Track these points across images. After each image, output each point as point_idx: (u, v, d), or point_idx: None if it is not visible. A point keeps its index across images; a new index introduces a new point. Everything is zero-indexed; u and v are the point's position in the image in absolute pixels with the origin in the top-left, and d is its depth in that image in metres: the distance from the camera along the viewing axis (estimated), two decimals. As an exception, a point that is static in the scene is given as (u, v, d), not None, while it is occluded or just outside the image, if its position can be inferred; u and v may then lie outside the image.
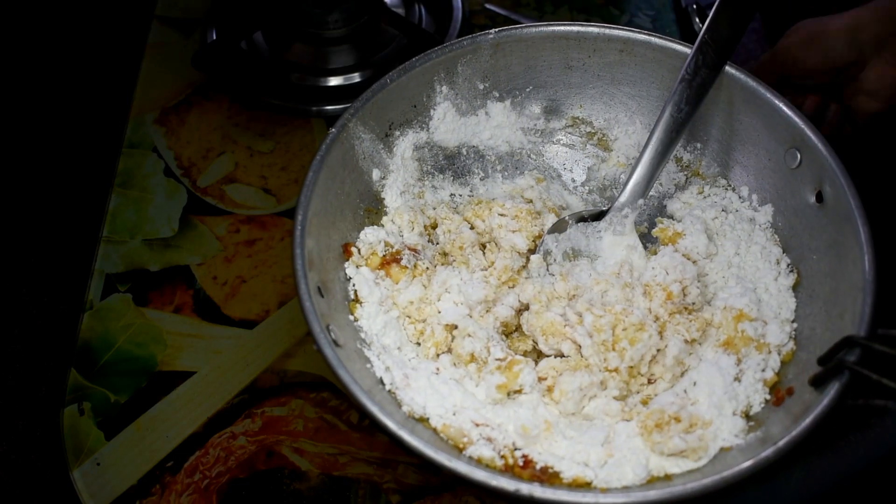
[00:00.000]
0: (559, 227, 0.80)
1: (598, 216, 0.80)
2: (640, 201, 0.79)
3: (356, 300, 0.74)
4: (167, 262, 0.88)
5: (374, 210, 0.81)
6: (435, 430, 0.67)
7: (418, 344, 0.75)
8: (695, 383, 0.70)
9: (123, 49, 1.08)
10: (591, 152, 0.89)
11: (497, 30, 0.82)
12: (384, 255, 0.76)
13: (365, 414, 0.62)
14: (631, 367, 0.71)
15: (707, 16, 0.94)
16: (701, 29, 0.77)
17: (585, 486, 0.64)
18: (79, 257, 0.89)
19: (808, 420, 0.61)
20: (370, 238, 0.77)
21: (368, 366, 0.69)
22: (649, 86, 0.84)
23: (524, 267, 0.79)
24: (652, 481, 0.64)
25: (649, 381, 0.72)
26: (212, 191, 0.94)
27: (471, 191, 0.87)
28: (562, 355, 0.73)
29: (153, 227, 0.91)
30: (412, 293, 0.75)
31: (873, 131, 0.90)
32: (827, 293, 0.70)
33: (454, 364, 0.73)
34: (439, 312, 0.75)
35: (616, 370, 0.70)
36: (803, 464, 0.70)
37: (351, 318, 0.73)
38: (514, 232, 0.79)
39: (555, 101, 0.88)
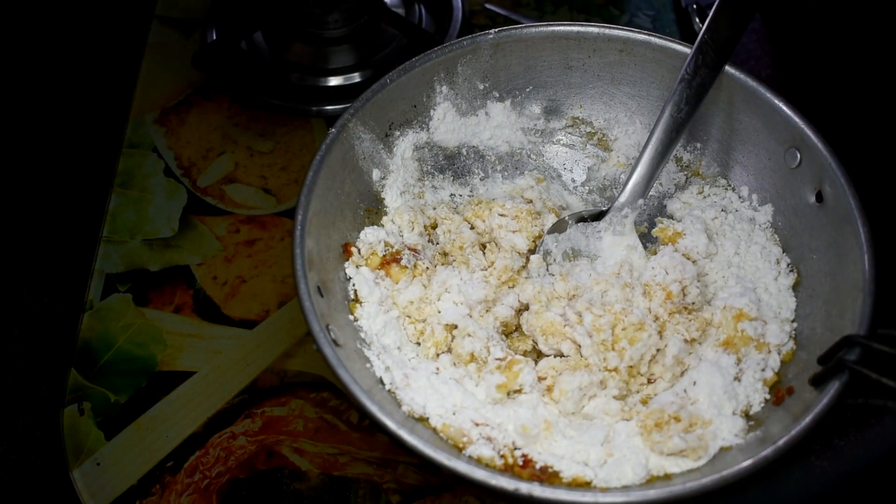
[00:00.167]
0: (559, 228, 0.80)
1: (598, 216, 0.80)
2: (640, 201, 0.79)
3: (356, 300, 0.74)
4: (167, 262, 0.88)
5: (374, 210, 0.81)
6: (435, 430, 0.67)
7: (418, 344, 0.75)
8: (695, 383, 0.70)
9: (123, 49, 1.08)
10: (591, 152, 0.89)
11: (497, 30, 0.82)
12: (384, 255, 0.76)
13: (365, 414, 0.62)
14: (630, 366, 0.71)
15: (707, 16, 0.94)
16: (701, 29, 0.77)
17: (585, 485, 0.64)
18: (79, 257, 0.89)
19: (807, 419, 0.61)
20: (370, 238, 0.77)
21: (368, 366, 0.70)
22: (649, 86, 0.84)
23: (524, 267, 0.79)
24: (652, 481, 0.64)
25: (649, 381, 0.72)
26: (212, 191, 0.94)
27: (471, 191, 0.87)
28: (561, 355, 0.73)
29: (153, 227, 0.91)
30: (412, 293, 0.75)
31: (873, 129, 0.90)
32: (827, 293, 0.70)
33: (454, 364, 0.73)
34: (439, 312, 0.75)
35: (616, 370, 0.70)
36: (803, 464, 0.70)
37: (351, 317, 0.73)
38: (514, 232, 0.79)
39: (555, 102, 0.88)
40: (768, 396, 0.69)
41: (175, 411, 0.79)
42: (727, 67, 0.77)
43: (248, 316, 0.85)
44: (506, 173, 0.88)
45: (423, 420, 0.67)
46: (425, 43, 0.97)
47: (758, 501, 0.68)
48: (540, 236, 0.80)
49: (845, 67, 0.97)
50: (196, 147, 0.97)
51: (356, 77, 1.02)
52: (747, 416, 0.68)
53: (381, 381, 0.69)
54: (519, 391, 0.70)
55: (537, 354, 0.75)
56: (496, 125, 0.87)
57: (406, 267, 0.76)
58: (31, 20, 1.09)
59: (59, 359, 0.83)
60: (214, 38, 1.05)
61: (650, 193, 0.81)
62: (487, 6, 1.10)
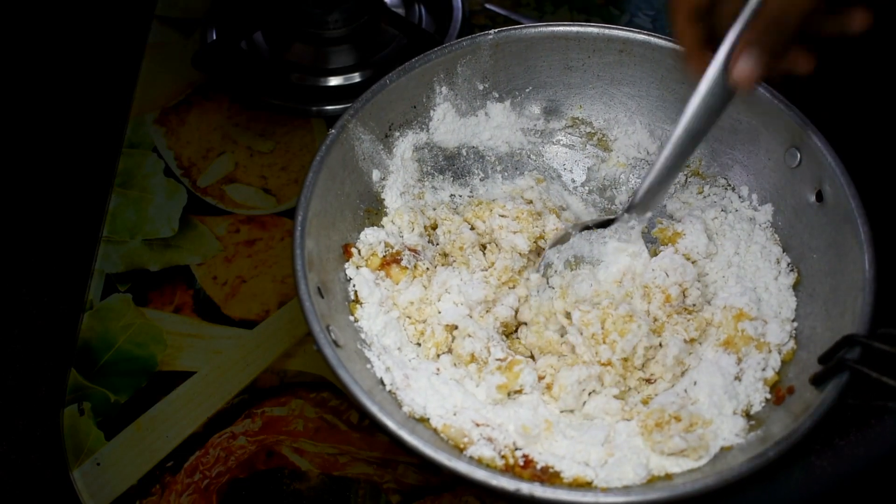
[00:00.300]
0: (562, 240, 0.79)
1: (604, 224, 0.79)
2: (649, 214, 0.77)
3: (356, 301, 0.74)
4: (167, 262, 0.88)
5: (374, 211, 0.81)
6: (435, 431, 0.67)
7: (418, 344, 0.75)
8: (695, 383, 0.70)
9: (123, 49, 1.08)
10: (591, 153, 0.89)
11: (497, 30, 0.82)
12: (384, 256, 0.76)
13: (365, 414, 0.62)
14: (625, 359, 0.71)
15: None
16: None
17: (586, 485, 0.64)
18: (79, 257, 0.89)
19: (808, 419, 0.61)
20: (370, 239, 0.77)
21: (368, 366, 0.69)
22: (649, 86, 0.84)
23: (525, 267, 0.79)
24: (652, 481, 0.64)
25: (649, 381, 0.72)
26: (212, 191, 0.94)
27: (471, 191, 0.87)
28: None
29: (153, 227, 0.91)
30: (412, 294, 0.75)
31: (873, 129, 0.90)
32: (827, 292, 0.70)
33: (454, 364, 0.73)
34: (439, 313, 0.75)
35: (609, 363, 0.70)
36: (803, 464, 0.70)
37: (351, 318, 0.73)
38: (514, 233, 0.79)
39: (554, 102, 0.88)
40: (769, 396, 0.69)
41: (175, 411, 0.79)
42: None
43: (248, 316, 0.85)
44: (506, 174, 0.88)
45: (423, 421, 0.67)
46: (425, 43, 0.97)
47: (758, 501, 0.68)
48: (541, 237, 0.80)
49: (845, 67, 0.97)
50: (196, 147, 0.97)
51: (356, 77, 1.02)
52: (748, 415, 0.68)
53: (382, 382, 0.69)
54: (519, 391, 0.70)
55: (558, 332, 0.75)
56: (496, 126, 0.87)
57: (406, 268, 0.76)
58: (32, 20, 1.09)
59: (59, 359, 0.83)
60: (214, 38, 1.05)
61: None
62: (487, 6, 1.10)
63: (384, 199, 0.81)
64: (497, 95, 0.86)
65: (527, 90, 0.86)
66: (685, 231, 0.79)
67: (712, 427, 0.66)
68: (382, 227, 0.80)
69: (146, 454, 0.76)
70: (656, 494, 0.60)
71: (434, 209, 0.83)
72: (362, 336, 0.72)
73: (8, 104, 1.02)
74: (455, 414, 0.68)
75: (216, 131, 0.99)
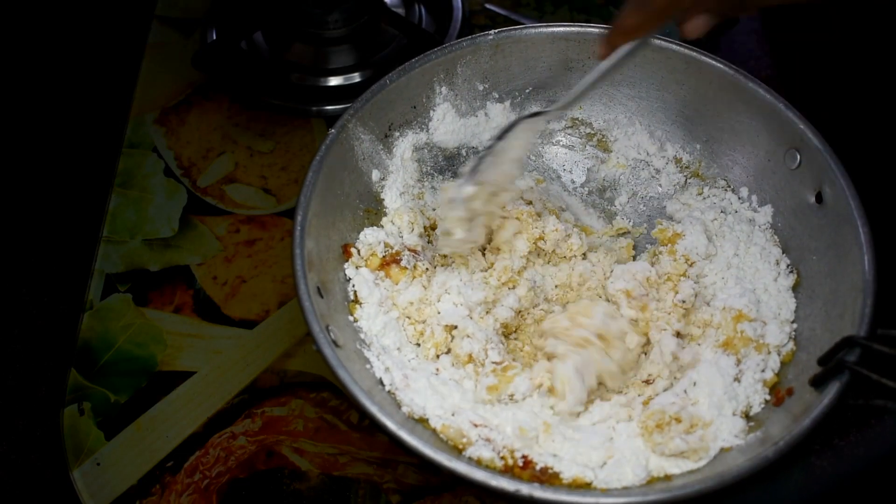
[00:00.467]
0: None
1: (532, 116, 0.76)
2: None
3: (356, 301, 0.74)
4: (167, 262, 0.88)
5: (373, 211, 0.81)
6: (434, 431, 0.67)
7: (418, 345, 0.75)
8: (695, 383, 0.70)
9: (123, 49, 1.08)
10: (591, 153, 0.89)
11: (496, 31, 0.82)
12: (384, 257, 0.76)
13: (365, 414, 0.62)
14: (602, 335, 0.72)
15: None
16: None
17: (585, 486, 0.64)
18: (79, 257, 0.89)
19: (808, 420, 0.61)
20: (370, 239, 0.77)
21: (368, 366, 0.70)
22: (648, 87, 0.84)
23: (524, 268, 0.79)
24: (652, 482, 0.64)
25: (648, 383, 0.72)
26: (212, 191, 0.94)
27: (470, 192, 0.87)
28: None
29: (153, 227, 0.91)
30: (412, 294, 0.75)
31: (873, 130, 0.90)
32: (827, 294, 0.70)
33: (453, 365, 0.73)
34: (439, 313, 0.75)
35: (589, 341, 0.71)
36: (803, 464, 0.71)
37: (350, 318, 0.73)
38: (515, 234, 0.79)
39: (554, 103, 0.87)
40: (768, 397, 0.69)
41: (175, 411, 0.79)
42: (725, 67, 0.77)
43: (248, 316, 0.85)
44: (505, 174, 0.88)
45: (422, 421, 0.67)
46: (425, 43, 0.97)
47: (758, 502, 0.68)
48: (541, 238, 0.80)
49: (845, 67, 0.97)
50: (196, 147, 0.98)
51: (356, 77, 1.02)
52: (747, 416, 0.68)
53: (381, 382, 0.69)
54: (511, 397, 0.70)
55: (545, 356, 0.75)
56: (496, 126, 0.87)
57: (406, 268, 0.76)
58: (32, 20, 1.09)
59: (59, 359, 0.83)
60: (214, 38, 1.05)
61: (648, 194, 0.82)
62: (487, 6, 1.10)
63: (384, 200, 0.81)
64: (497, 96, 0.86)
65: (527, 91, 0.86)
66: (685, 232, 0.79)
67: (712, 428, 0.66)
68: (382, 227, 0.80)
69: (146, 454, 0.76)
70: (656, 495, 0.60)
71: (434, 209, 0.83)
72: (362, 336, 0.72)
73: (8, 104, 1.01)
74: (454, 414, 0.68)
75: (216, 131, 0.99)
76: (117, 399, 0.79)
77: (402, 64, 0.80)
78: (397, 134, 0.82)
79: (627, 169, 0.87)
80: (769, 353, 0.71)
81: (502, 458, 0.65)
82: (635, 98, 0.85)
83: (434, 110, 0.84)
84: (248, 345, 0.83)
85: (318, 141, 0.75)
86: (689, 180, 0.85)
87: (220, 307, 0.85)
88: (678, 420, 0.66)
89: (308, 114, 1.00)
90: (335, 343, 0.66)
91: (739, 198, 0.82)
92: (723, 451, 0.65)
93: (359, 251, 0.77)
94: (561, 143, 0.89)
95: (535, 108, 0.87)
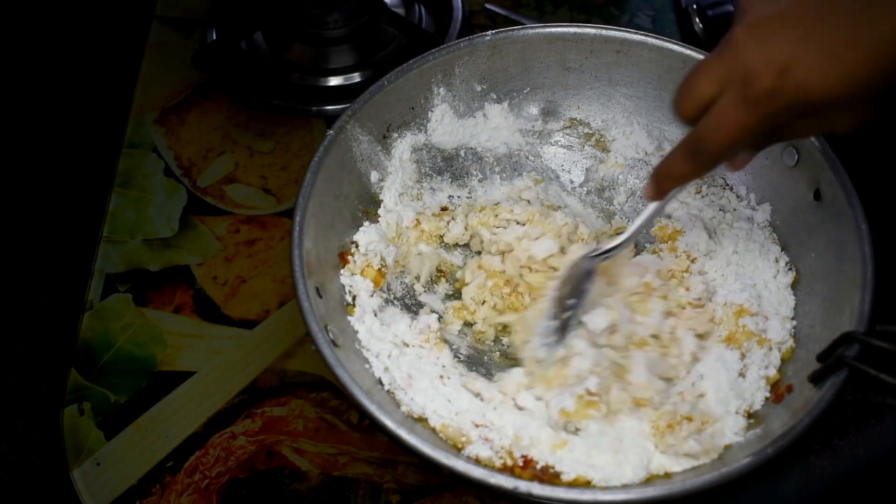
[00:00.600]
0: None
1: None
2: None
3: (353, 305, 0.74)
4: (167, 262, 0.89)
5: (372, 212, 0.81)
6: (434, 430, 0.67)
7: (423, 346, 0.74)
8: (702, 376, 0.70)
9: (123, 49, 1.08)
10: (590, 153, 0.89)
11: (494, 31, 0.82)
12: (379, 269, 0.76)
13: (364, 413, 0.62)
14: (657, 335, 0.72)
15: (707, 16, 0.94)
16: (700, 29, 0.77)
17: (585, 484, 0.64)
18: (79, 257, 0.89)
19: (807, 416, 0.60)
20: (365, 239, 0.77)
21: (367, 366, 0.70)
22: (646, 86, 0.84)
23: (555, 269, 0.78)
24: (651, 479, 0.64)
25: (669, 381, 0.72)
26: (212, 191, 0.94)
27: (469, 193, 0.87)
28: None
29: (153, 227, 0.91)
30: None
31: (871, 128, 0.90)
32: (826, 291, 0.70)
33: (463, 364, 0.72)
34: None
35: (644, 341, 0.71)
36: (803, 464, 0.70)
37: (350, 318, 0.73)
38: (536, 239, 0.79)
39: (552, 103, 0.88)
40: (768, 395, 0.69)
41: (175, 411, 0.79)
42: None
43: (248, 316, 0.85)
44: (504, 175, 0.88)
45: (422, 420, 0.67)
46: (425, 43, 0.97)
47: (758, 501, 0.68)
48: (558, 234, 0.79)
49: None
50: (196, 147, 0.98)
51: (356, 77, 1.02)
52: (748, 414, 0.68)
53: (380, 382, 0.69)
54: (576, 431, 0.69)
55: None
56: (494, 127, 0.87)
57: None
58: (32, 20, 1.09)
59: (59, 359, 0.83)
60: (214, 38, 1.05)
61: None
62: (487, 6, 1.10)
63: (382, 200, 0.81)
64: (495, 96, 0.86)
65: (525, 91, 0.86)
66: (685, 228, 0.79)
67: (719, 425, 0.66)
68: (378, 222, 0.80)
69: (146, 454, 0.76)
70: (655, 492, 0.60)
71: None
72: (360, 337, 0.72)
73: (8, 104, 1.02)
74: (457, 414, 0.68)
75: (216, 131, 0.99)
76: (117, 399, 0.79)
77: (401, 65, 0.80)
78: (395, 135, 0.82)
79: (626, 168, 0.87)
80: (770, 349, 0.71)
81: (501, 457, 0.65)
82: (633, 98, 0.85)
83: (432, 111, 0.84)
84: (248, 345, 0.83)
85: (318, 141, 0.75)
86: (687, 179, 0.85)
87: (220, 307, 0.86)
88: (689, 419, 0.66)
89: (308, 114, 1.00)
90: (334, 343, 0.66)
91: (738, 196, 0.82)
92: (724, 447, 0.65)
93: (354, 257, 0.76)
94: (559, 143, 0.89)
95: (537, 116, 0.88)
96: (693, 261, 0.78)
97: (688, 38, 1.02)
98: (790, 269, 0.75)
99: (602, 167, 0.88)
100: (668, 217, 0.83)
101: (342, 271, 0.75)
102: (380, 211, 0.81)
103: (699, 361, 0.71)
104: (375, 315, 0.74)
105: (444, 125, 0.85)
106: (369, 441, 0.77)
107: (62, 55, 1.09)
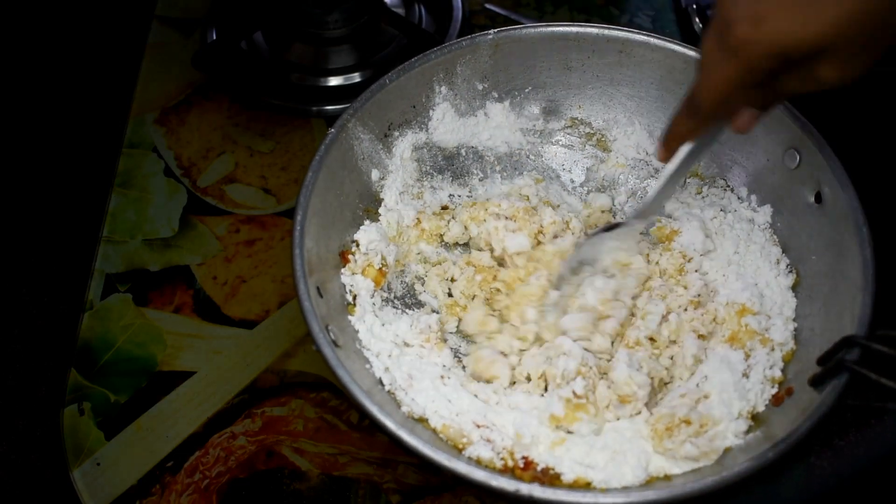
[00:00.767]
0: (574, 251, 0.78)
1: (610, 228, 0.77)
2: (652, 218, 0.79)
3: (354, 304, 0.74)
4: (167, 262, 0.88)
5: (373, 210, 0.81)
6: (434, 431, 0.67)
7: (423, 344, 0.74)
8: (706, 377, 0.70)
9: (123, 49, 1.08)
10: (590, 153, 0.89)
11: (496, 30, 0.82)
12: (380, 268, 0.76)
13: (364, 414, 0.62)
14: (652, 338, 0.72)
15: (707, 16, 0.93)
16: (700, 29, 0.77)
17: (585, 486, 0.64)
18: (79, 257, 0.89)
19: (807, 420, 0.60)
20: (366, 238, 0.77)
21: (368, 366, 0.70)
22: (648, 86, 0.84)
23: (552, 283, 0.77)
24: (651, 481, 0.64)
25: (667, 384, 0.72)
26: (212, 191, 0.94)
27: (469, 191, 0.87)
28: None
29: (153, 227, 0.91)
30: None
31: (873, 130, 0.90)
32: (826, 293, 0.70)
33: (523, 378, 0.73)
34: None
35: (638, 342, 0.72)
36: (803, 464, 0.70)
37: (350, 318, 0.73)
38: (513, 232, 0.79)
39: (554, 102, 0.88)
40: (773, 393, 0.69)
41: (175, 411, 0.79)
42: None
43: (248, 316, 0.85)
44: (505, 174, 0.88)
45: (422, 421, 0.67)
46: (425, 43, 0.97)
47: (758, 502, 0.68)
48: (540, 231, 0.79)
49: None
50: (196, 147, 0.98)
51: (356, 77, 1.02)
52: (751, 415, 0.68)
53: (381, 382, 0.69)
54: (570, 433, 0.69)
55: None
56: (495, 126, 0.87)
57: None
58: (32, 20, 1.09)
59: (59, 359, 0.83)
60: (214, 38, 1.05)
61: (647, 193, 0.81)
62: (487, 6, 1.10)
63: (383, 199, 0.81)
64: (496, 95, 0.86)
65: (526, 90, 0.86)
66: (682, 228, 0.79)
67: (720, 428, 0.66)
68: (378, 221, 0.80)
69: (146, 454, 0.76)
70: (655, 494, 0.60)
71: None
72: (360, 337, 0.72)
73: (8, 104, 1.02)
74: (458, 414, 0.68)
75: (216, 131, 0.99)
76: (117, 399, 0.79)
77: (402, 64, 0.80)
78: (397, 133, 0.82)
79: (627, 168, 0.87)
80: (773, 349, 0.71)
81: (502, 458, 0.65)
82: (635, 98, 0.85)
83: (433, 110, 0.84)
84: (248, 345, 0.83)
85: (318, 141, 0.75)
86: (688, 179, 0.85)
87: (220, 307, 0.85)
88: (688, 422, 0.66)
89: (308, 114, 1.00)
90: (335, 343, 0.66)
91: (739, 197, 0.82)
92: (724, 450, 0.65)
93: (354, 256, 0.76)
94: (560, 142, 0.89)
95: (538, 115, 0.88)
96: (689, 260, 0.78)
97: (688, 38, 1.02)
98: (791, 271, 0.75)
99: (603, 167, 0.88)
100: (669, 217, 0.83)
101: (343, 270, 0.75)
102: (380, 210, 0.81)
103: (702, 363, 0.71)
104: (376, 315, 0.74)
105: (446, 124, 0.85)
106: (369, 441, 0.77)
107: (62, 55, 1.09)
